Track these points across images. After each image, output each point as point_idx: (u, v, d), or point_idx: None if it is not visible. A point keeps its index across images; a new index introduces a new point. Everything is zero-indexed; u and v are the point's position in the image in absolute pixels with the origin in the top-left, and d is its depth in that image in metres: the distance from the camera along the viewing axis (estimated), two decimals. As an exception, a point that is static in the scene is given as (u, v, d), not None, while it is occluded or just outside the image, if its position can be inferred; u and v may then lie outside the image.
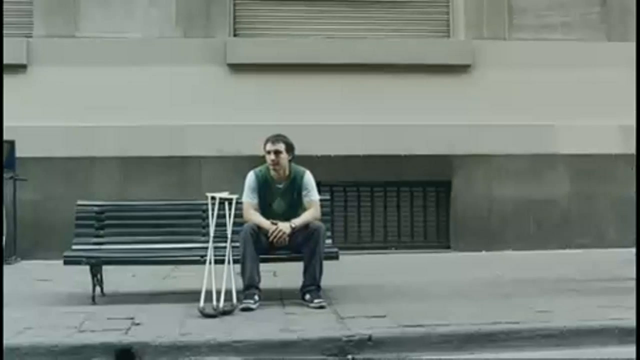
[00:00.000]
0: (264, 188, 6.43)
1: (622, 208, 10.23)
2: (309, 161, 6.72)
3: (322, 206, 6.55)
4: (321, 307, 5.97)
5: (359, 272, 7.99)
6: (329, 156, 9.70)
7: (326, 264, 6.29)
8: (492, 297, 6.41)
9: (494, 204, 10.13)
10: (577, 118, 10.27)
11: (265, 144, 6.43)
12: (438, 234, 10.24)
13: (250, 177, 6.49)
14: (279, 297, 6.45)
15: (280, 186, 6.44)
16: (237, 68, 9.93)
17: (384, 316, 5.61)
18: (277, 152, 6.36)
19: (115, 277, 6.88)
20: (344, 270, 7.29)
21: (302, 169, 6.51)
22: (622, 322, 5.36)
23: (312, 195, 6.42)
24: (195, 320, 5.60)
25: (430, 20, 10.58)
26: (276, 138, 6.42)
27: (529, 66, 10.26)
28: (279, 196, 6.43)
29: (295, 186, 6.43)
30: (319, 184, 6.61)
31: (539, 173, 10.27)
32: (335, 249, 6.51)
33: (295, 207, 6.41)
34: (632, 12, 10.50)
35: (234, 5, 10.26)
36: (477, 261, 9.03)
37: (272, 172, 6.44)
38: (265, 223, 6.28)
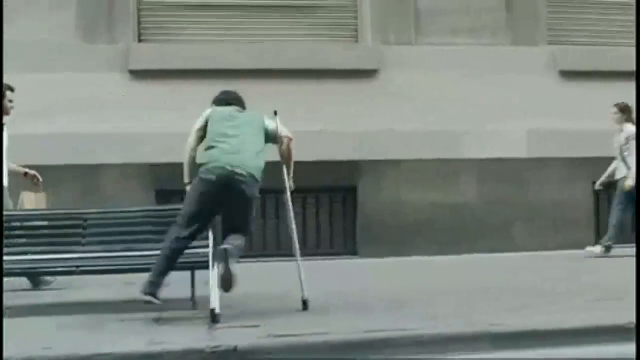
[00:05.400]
0: None
1: (530, 211, 10.29)
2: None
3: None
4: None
5: (257, 281, 7.83)
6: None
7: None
8: (385, 306, 6.28)
9: (403, 209, 10.05)
10: (486, 123, 10.29)
11: None
12: (345, 240, 10.14)
13: None
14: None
15: None
16: (140, 75, 9.75)
17: (258, 326, 5.47)
18: None
19: None
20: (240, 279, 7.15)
21: None
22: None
23: None
24: (54, 332, 5.40)
25: (339, 26, 10.56)
26: None
27: (436, 71, 10.26)
28: None
29: None
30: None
31: (447, 178, 10.25)
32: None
33: None
34: (538, 16, 10.60)
35: (139, 10, 10.08)
36: (382, 268, 8.93)
37: None
38: None
